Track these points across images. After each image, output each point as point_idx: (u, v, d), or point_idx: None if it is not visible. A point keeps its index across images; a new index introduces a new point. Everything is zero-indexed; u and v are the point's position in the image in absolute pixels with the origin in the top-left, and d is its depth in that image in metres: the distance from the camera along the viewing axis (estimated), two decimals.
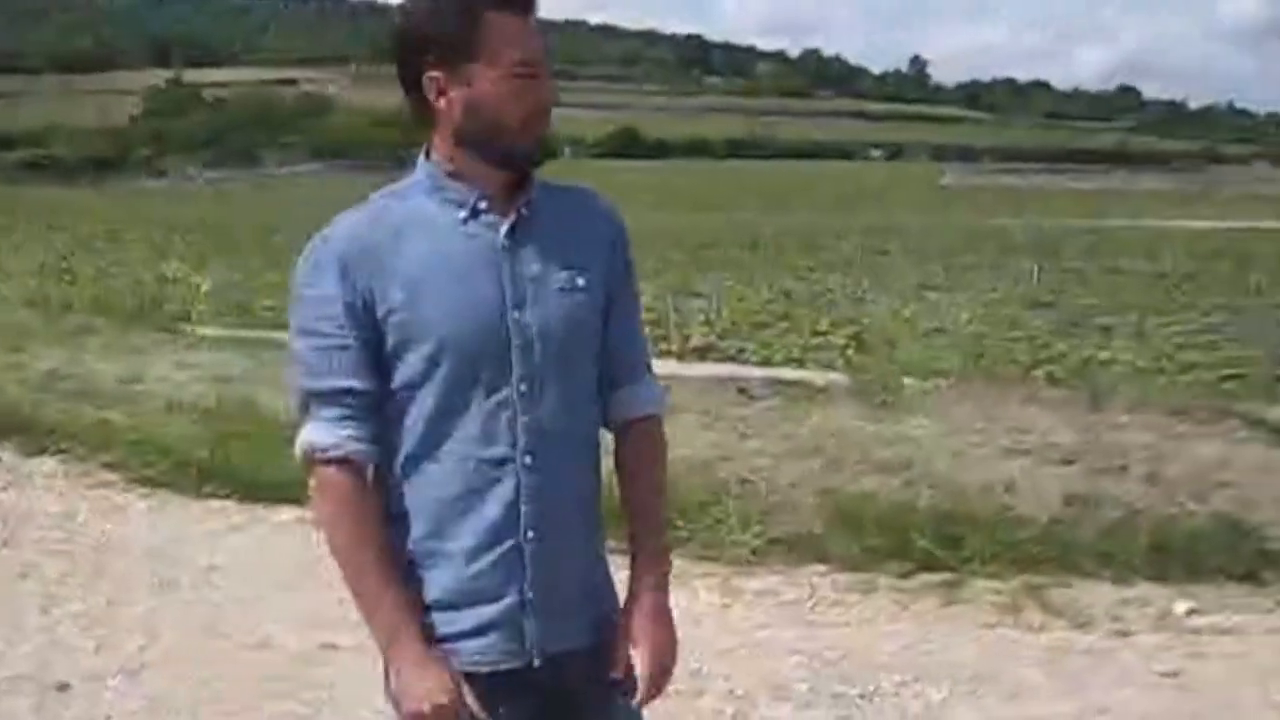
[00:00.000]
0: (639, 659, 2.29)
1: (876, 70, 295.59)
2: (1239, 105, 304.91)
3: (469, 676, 2.14)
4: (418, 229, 2.11)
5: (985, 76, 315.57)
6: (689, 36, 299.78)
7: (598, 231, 2.26)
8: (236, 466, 7.39)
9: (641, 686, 2.29)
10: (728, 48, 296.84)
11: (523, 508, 2.13)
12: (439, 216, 2.13)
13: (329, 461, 2.10)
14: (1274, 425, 8.22)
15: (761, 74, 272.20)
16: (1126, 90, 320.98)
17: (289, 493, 6.81)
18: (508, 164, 2.13)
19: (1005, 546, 6.17)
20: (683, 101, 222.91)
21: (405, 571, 2.15)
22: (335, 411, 2.10)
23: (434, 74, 2.07)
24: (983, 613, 5.66)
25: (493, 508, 2.12)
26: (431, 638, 2.14)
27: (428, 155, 2.17)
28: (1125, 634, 5.45)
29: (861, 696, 4.75)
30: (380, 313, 2.07)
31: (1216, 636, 5.41)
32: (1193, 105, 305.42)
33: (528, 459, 2.12)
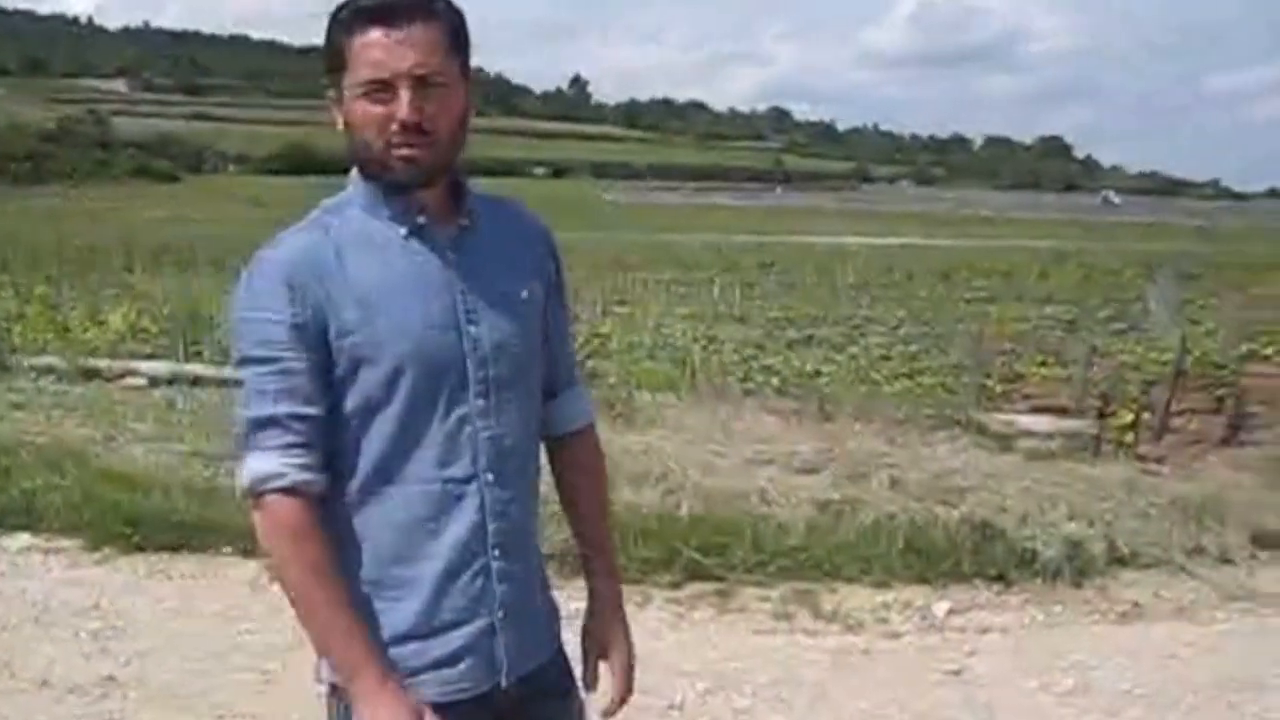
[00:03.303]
0: (612, 669, 2.29)
1: (538, 89, 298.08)
2: (884, 128, 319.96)
3: (438, 707, 2.02)
4: (363, 247, 2.01)
5: (644, 96, 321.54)
6: None
7: (532, 242, 2.20)
8: None
9: (617, 694, 2.30)
10: None
11: (489, 525, 2.05)
12: (382, 233, 2.03)
13: (278, 491, 1.95)
14: (994, 432, 8.66)
15: None
16: (778, 111, 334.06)
17: (19, 520, 6.43)
18: (391, 184, 2.01)
19: (769, 554, 6.27)
20: None
21: (361, 603, 2.01)
22: (284, 439, 1.95)
23: (329, 93, 2.02)
24: (758, 619, 5.74)
25: (460, 528, 2.03)
26: (395, 670, 2.00)
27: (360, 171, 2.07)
28: (895, 635, 5.62)
29: (671, 707, 4.72)
30: (331, 334, 1.96)
31: (979, 635, 5.63)
32: (841, 127, 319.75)
33: (489, 475, 2.04)
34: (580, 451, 2.31)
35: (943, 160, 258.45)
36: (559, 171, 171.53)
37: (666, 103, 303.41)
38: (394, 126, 1.94)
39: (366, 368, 1.96)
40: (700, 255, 37.16)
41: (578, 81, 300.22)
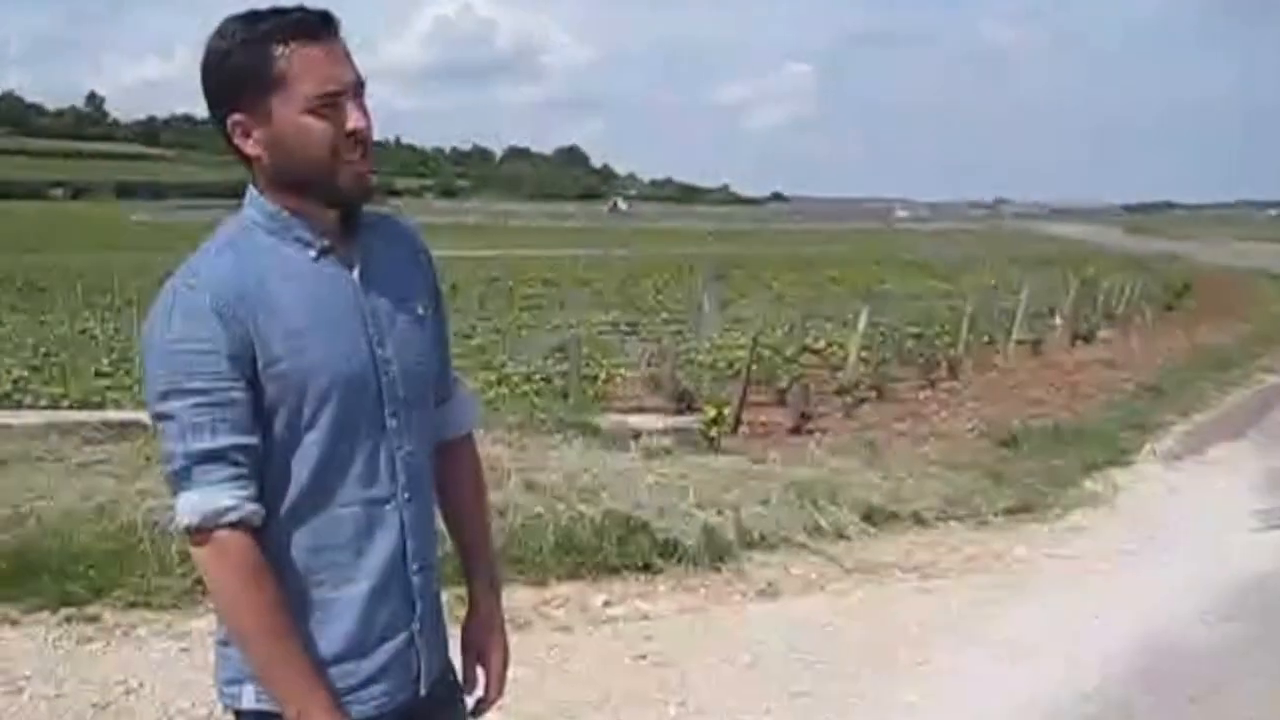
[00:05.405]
0: (487, 672, 2.33)
1: (52, 106, 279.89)
2: (407, 141, 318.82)
3: None
4: (279, 272, 1.97)
5: (163, 113, 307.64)
6: None
7: (414, 256, 2.20)
8: None
9: (493, 692, 2.34)
10: None
11: (408, 543, 2.07)
12: (292, 257, 2.00)
13: (229, 526, 1.90)
14: (607, 432, 9.04)
15: None
16: None
17: None
18: (333, 200, 2.02)
19: None
20: None
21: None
22: (228, 471, 1.90)
23: (237, 117, 1.96)
24: None
25: (385, 547, 2.05)
26: (341, 706, 2.00)
27: (257, 192, 2.04)
28: (567, 629, 5.83)
29: None
30: (260, 363, 1.92)
31: (643, 621, 5.96)
32: None
33: (406, 494, 2.07)
34: (462, 458, 2.34)
35: (466, 172, 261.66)
36: (79, 192, 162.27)
37: (188, 119, 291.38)
38: (346, 140, 1.95)
39: (293, 395, 1.94)
40: None
41: (94, 98, 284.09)
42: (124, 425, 8.88)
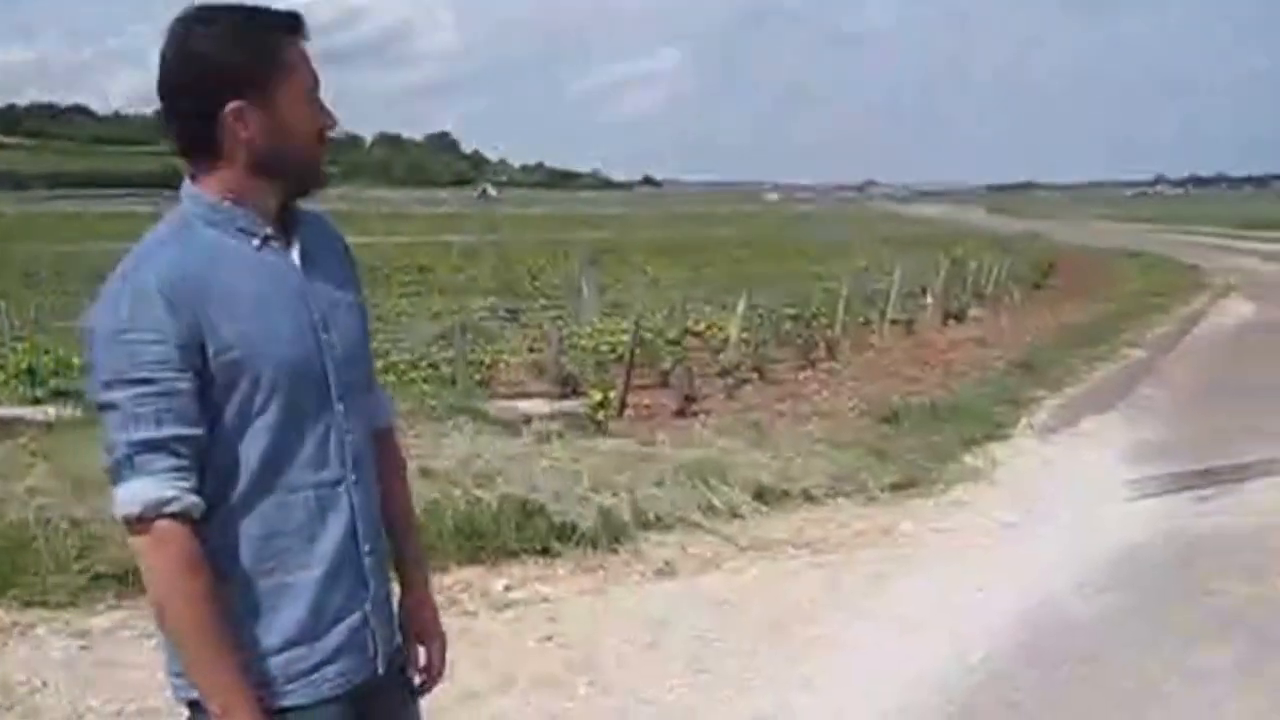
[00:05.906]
0: (428, 654, 2.42)
1: None
2: None
3: (324, 703, 2.10)
4: (224, 262, 2.03)
5: (22, 101, 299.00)
6: None
7: (340, 249, 2.27)
8: None
9: (434, 675, 2.42)
10: None
11: (359, 526, 2.13)
12: (236, 248, 2.05)
13: (169, 517, 1.93)
14: (497, 418, 9.11)
15: None
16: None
17: None
18: (302, 184, 2.12)
19: None
20: None
21: (238, 617, 2.03)
22: (169, 462, 1.94)
23: (237, 103, 2.00)
24: None
25: (336, 531, 2.10)
26: (273, 685, 2.05)
27: (194, 185, 2.08)
28: (471, 614, 5.89)
29: None
30: (210, 351, 1.96)
31: (545, 604, 6.04)
32: None
33: (353, 476, 2.13)
34: (389, 447, 2.39)
35: (337, 159, 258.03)
36: None
37: (49, 107, 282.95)
38: (323, 134, 2.10)
39: (244, 383, 1.99)
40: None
41: None
42: (4, 422, 8.75)
